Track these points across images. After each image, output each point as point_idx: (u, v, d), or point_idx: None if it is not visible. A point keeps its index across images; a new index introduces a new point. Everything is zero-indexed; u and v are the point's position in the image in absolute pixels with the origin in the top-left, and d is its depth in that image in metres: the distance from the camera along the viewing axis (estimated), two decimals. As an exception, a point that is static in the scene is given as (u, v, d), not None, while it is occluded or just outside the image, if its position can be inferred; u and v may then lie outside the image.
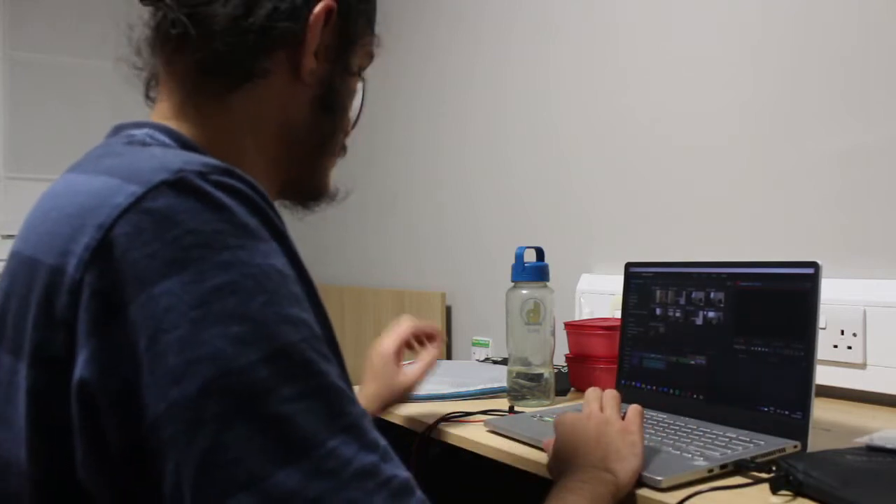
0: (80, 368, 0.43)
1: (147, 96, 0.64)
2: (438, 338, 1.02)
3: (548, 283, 1.10)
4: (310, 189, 0.71)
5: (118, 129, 0.60)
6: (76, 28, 2.65)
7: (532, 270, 1.09)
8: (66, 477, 0.45)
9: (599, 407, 0.79)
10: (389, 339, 0.99)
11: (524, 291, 1.08)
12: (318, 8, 0.61)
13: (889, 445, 0.75)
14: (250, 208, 0.47)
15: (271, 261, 0.46)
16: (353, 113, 0.71)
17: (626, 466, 0.71)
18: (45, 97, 2.71)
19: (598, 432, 0.75)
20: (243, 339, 0.42)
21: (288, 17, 0.60)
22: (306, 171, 0.69)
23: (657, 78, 1.48)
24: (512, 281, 1.10)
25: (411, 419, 1.04)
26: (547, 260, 1.11)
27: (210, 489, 0.41)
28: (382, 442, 0.46)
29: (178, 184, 0.45)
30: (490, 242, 1.94)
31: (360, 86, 0.71)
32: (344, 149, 0.72)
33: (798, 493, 0.68)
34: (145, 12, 0.61)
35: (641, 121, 1.51)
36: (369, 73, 0.72)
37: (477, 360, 1.62)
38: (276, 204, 0.69)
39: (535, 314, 1.07)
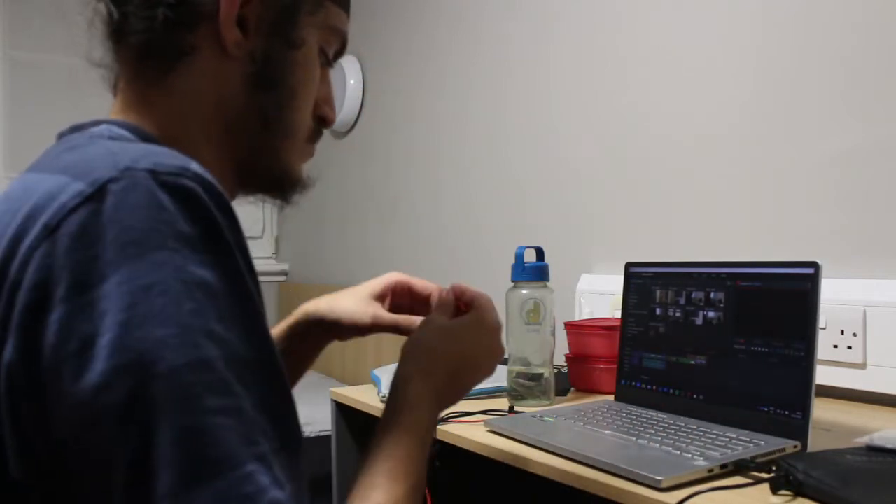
0: (8, 353, 0.43)
1: (114, 93, 0.62)
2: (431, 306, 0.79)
3: (548, 283, 1.10)
4: (270, 177, 0.65)
5: (76, 129, 0.58)
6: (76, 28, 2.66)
7: (532, 270, 1.09)
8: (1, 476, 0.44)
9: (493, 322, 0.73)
10: (378, 283, 0.84)
11: (524, 291, 1.08)
12: None
13: (889, 445, 0.75)
14: (195, 214, 0.46)
15: (203, 273, 0.45)
16: (311, 90, 0.64)
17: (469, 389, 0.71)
18: (45, 97, 2.71)
19: (487, 355, 0.71)
20: (169, 343, 0.42)
21: None
22: (259, 156, 0.63)
23: (657, 78, 1.48)
24: (512, 281, 1.10)
25: (411, 419, 1.04)
26: (547, 260, 1.11)
27: (135, 501, 0.40)
28: (289, 486, 0.44)
29: (123, 182, 0.44)
30: (490, 242, 1.93)
31: (313, 60, 0.64)
32: (318, 133, 0.67)
33: (798, 493, 0.68)
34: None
35: (641, 121, 1.51)
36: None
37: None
38: (251, 199, 0.66)
39: (534, 314, 1.07)
